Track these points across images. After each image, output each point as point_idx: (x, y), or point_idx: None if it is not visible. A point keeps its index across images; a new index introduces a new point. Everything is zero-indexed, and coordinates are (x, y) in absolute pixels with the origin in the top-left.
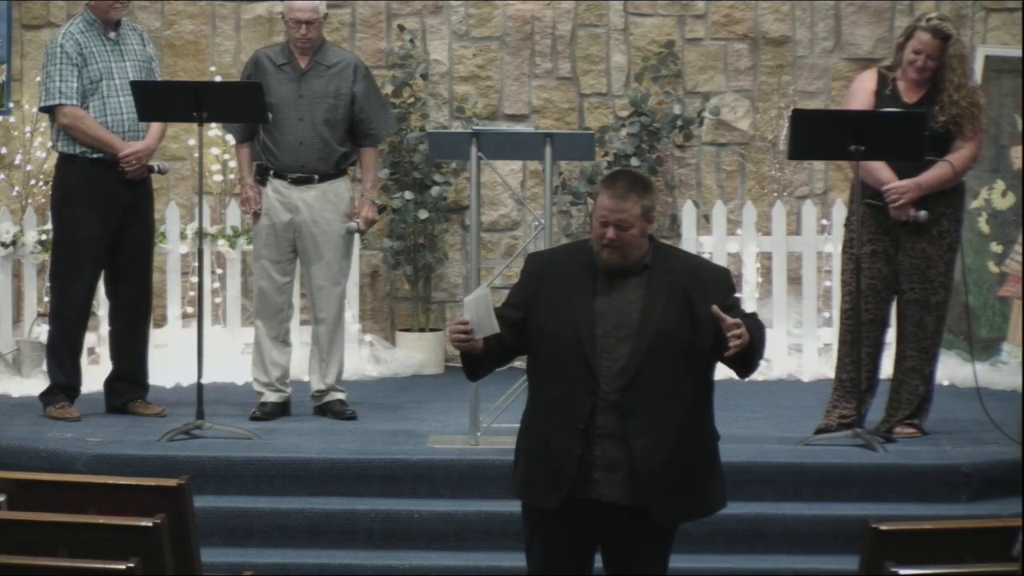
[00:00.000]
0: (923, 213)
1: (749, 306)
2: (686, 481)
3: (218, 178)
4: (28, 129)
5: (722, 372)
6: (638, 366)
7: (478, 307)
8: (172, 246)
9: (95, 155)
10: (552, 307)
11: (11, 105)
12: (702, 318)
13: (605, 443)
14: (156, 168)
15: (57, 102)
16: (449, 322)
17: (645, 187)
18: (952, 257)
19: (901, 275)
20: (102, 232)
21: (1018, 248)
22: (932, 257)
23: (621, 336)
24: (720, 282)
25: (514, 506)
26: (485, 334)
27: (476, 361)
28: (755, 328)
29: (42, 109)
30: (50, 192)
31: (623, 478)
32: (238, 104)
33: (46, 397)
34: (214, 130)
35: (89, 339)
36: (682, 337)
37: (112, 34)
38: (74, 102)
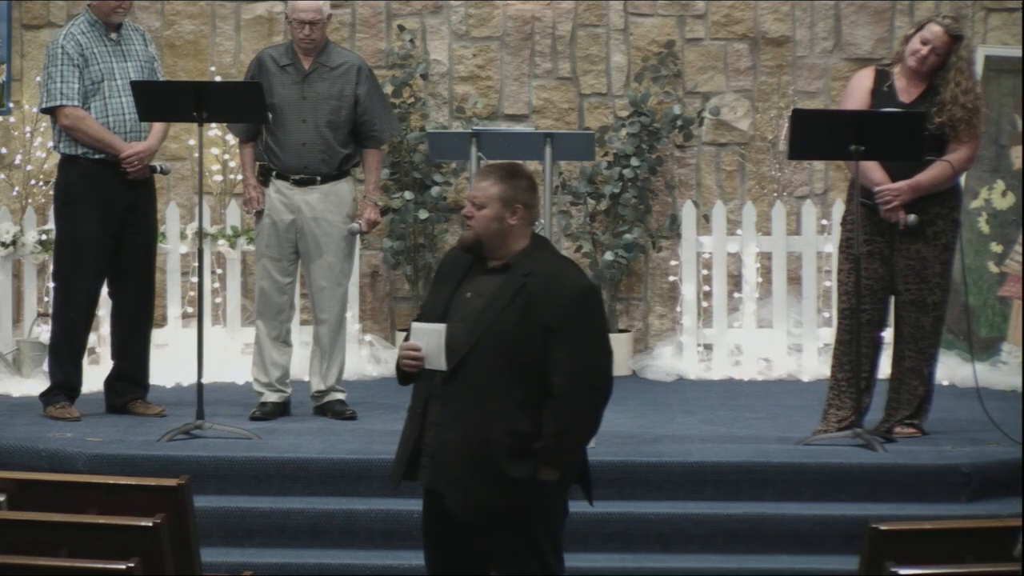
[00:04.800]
0: (912, 217)
1: (749, 307)
2: (492, 479)
3: (218, 178)
4: (28, 129)
5: (721, 371)
6: (462, 359)
7: (430, 341)
8: (172, 246)
9: (97, 156)
10: (430, 296)
11: (11, 105)
12: (539, 327)
13: (432, 431)
14: (158, 168)
15: (59, 103)
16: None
17: (511, 175)
18: (948, 258)
19: (897, 276)
20: (104, 233)
21: (1018, 248)
22: (927, 258)
23: (462, 329)
24: (563, 300)
25: None
26: (432, 367)
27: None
28: (559, 421)
29: (43, 110)
30: (52, 193)
31: (437, 466)
32: (238, 104)
33: (46, 397)
34: (214, 130)
35: (90, 339)
36: (514, 340)
37: (113, 35)
38: (75, 103)
